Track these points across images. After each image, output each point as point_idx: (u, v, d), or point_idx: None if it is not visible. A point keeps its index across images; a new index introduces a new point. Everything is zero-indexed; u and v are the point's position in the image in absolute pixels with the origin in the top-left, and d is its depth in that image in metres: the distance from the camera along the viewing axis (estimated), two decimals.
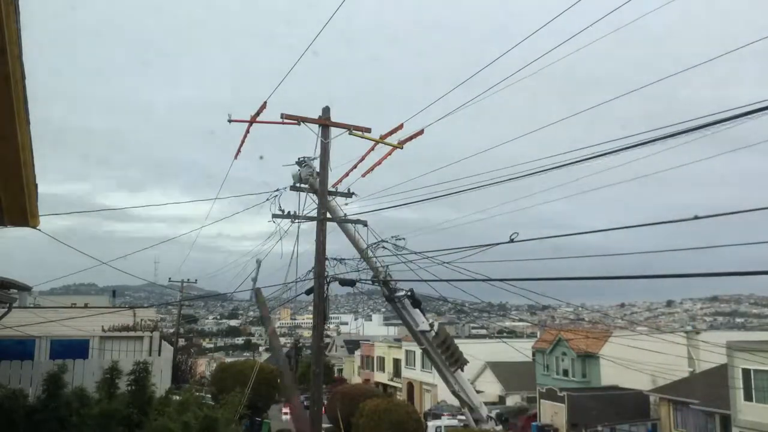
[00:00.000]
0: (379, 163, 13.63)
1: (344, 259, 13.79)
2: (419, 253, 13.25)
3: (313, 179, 13.88)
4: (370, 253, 14.65)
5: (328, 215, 13.30)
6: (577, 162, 8.34)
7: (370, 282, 15.01)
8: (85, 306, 31.69)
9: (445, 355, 17.05)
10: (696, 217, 7.14)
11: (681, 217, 7.45)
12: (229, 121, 13.10)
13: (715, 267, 7.02)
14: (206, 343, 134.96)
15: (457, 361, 17.38)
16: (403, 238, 14.13)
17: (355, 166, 14.17)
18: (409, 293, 15.89)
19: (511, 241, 10.17)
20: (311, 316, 13.57)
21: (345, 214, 14.42)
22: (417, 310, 16.48)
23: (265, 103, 12.94)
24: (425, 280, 14.44)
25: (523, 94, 63.84)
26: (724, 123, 6.32)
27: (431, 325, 16.73)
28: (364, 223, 14.33)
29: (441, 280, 13.58)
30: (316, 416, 12.85)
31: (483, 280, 11.78)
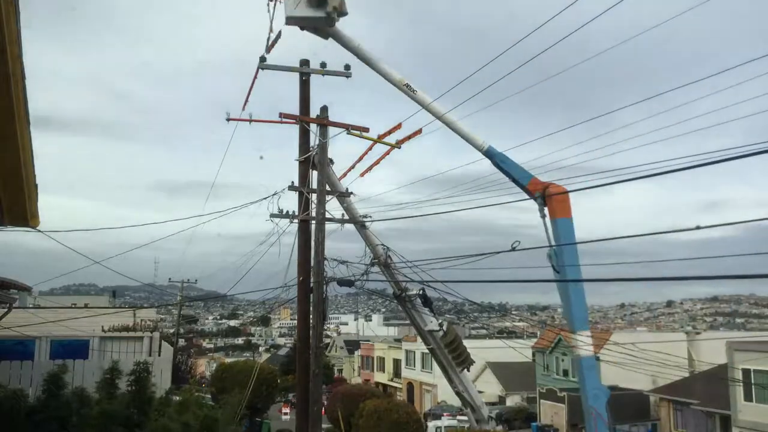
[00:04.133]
0: (377, 162, 13.66)
1: (347, 262, 13.77)
2: (436, 259, 13.32)
3: None
4: (381, 250, 14.73)
5: (328, 215, 13.30)
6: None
7: (369, 281, 15.00)
8: (85, 306, 31.68)
9: (452, 356, 17.04)
10: (698, 227, 7.47)
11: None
12: (228, 120, 13.11)
13: (715, 268, 7.16)
14: (206, 344, 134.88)
15: (464, 361, 17.38)
16: (389, 249, 14.75)
17: (353, 166, 14.18)
18: (420, 292, 15.90)
19: (513, 249, 10.40)
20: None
21: (362, 215, 14.42)
22: (426, 310, 16.49)
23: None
24: (426, 282, 14.48)
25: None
26: None
27: (440, 325, 16.73)
28: (363, 224, 14.36)
29: (445, 281, 13.64)
30: (316, 416, 12.85)
31: (486, 282, 11.90)
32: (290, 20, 12.41)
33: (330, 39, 12.98)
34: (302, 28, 12.82)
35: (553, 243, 12.35)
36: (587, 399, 12.89)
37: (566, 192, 12.45)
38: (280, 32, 12.66)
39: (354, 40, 13.08)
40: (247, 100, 13.36)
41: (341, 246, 15.14)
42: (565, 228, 12.44)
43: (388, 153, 13.65)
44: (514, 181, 12.88)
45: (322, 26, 12.60)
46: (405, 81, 13.21)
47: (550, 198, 12.46)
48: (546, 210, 12.58)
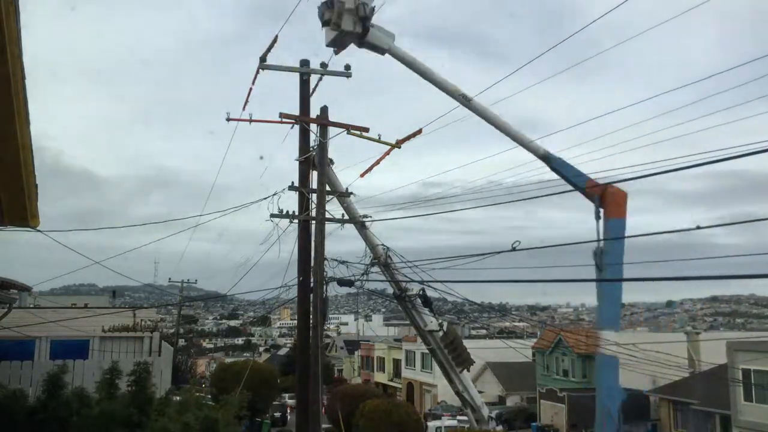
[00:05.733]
0: (377, 163, 13.70)
1: (347, 262, 13.77)
2: (436, 259, 13.36)
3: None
4: (381, 250, 14.77)
5: (328, 215, 13.30)
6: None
7: (369, 281, 15.00)
8: (85, 306, 31.67)
9: (452, 356, 17.04)
10: (698, 227, 7.56)
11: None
12: (228, 119, 13.12)
13: (715, 268, 7.19)
14: (206, 344, 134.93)
15: (464, 361, 17.38)
16: (389, 249, 14.72)
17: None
18: (420, 292, 15.91)
19: (513, 249, 10.44)
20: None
21: (362, 215, 14.44)
22: (426, 310, 16.50)
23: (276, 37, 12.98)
24: (426, 282, 14.50)
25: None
26: None
27: (440, 325, 16.74)
28: (362, 224, 14.38)
29: (445, 281, 13.65)
30: (316, 416, 12.86)
31: (486, 282, 11.93)
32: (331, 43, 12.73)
33: (386, 54, 13.11)
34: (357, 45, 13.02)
35: (602, 242, 12.46)
36: (601, 397, 12.92)
37: (625, 194, 12.65)
38: (276, 36, 12.74)
39: (408, 54, 13.24)
40: (247, 101, 13.40)
41: (344, 247, 15.17)
42: (618, 228, 12.58)
43: (388, 153, 13.70)
44: (571, 183, 12.93)
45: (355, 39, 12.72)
46: (460, 90, 13.18)
47: (607, 198, 12.62)
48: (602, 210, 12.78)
